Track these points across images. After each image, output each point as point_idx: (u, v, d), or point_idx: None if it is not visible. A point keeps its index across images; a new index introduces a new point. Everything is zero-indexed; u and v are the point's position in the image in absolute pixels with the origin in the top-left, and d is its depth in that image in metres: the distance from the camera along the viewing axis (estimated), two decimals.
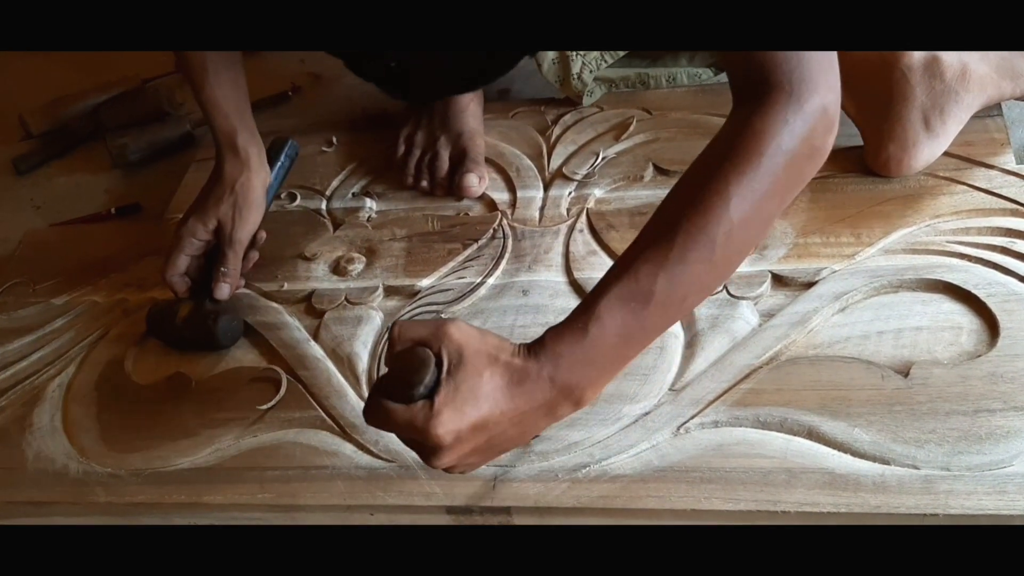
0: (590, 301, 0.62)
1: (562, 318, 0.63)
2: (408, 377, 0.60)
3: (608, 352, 0.62)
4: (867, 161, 0.89)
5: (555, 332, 0.63)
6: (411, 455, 0.76)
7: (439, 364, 0.61)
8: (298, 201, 1.04)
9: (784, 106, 0.61)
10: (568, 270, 0.89)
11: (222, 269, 0.91)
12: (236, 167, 0.92)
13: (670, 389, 0.77)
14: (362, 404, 0.81)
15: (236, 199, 0.92)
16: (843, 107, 0.89)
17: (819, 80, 0.62)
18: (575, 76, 1.04)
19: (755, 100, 0.62)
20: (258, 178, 0.93)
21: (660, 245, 0.61)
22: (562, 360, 0.61)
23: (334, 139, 1.11)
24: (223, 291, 0.91)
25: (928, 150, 0.86)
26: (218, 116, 0.92)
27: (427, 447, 0.61)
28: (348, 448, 0.79)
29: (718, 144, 0.64)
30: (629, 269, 0.62)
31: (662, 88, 1.07)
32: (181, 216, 0.94)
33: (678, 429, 0.74)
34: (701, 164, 0.64)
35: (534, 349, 0.62)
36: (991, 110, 0.91)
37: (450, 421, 0.59)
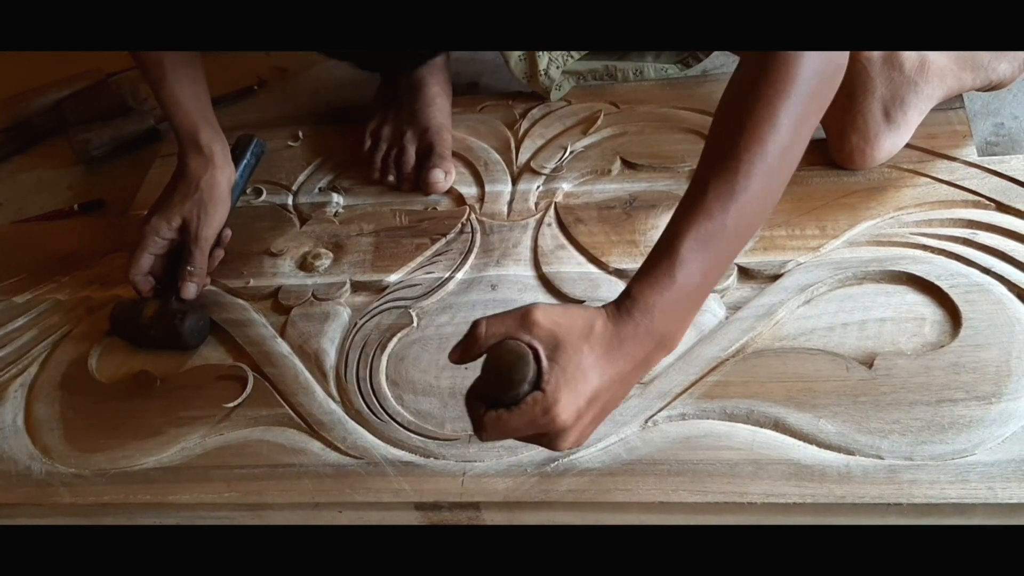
0: (668, 247, 0.63)
1: None
2: (509, 376, 0.59)
3: (695, 293, 0.64)
4: (831, 154, 0.90)
5: (642, 285, 0.63)
6: (379, 452, 0.77)
7: (535, 354, 0.60)
8: (264, 196, 1.03)
9: None
10: (536, 264, 0.89)
11: (188, 268, 0.90)
12: (200, 164, 0.91)
13: (638, 382, 0.77)
14: (329, 400, 0.81)
15: (201, 196, 0.91)
16: None
17: None
18: (542, 72, 1.03)
19: None
20: (223, 175, 0.92)
21: (724, 179, 0.62)
22: (655, 311, 0.62)
23: (300, 133, 1.10)
24: (190, 291, 0.90)
25: (890, 141, 0.87)
26: (179, 114, 0.90)
27: (552, 436, 0.61)
28: (316, 445, 0.79)
29: (749, 77, 0.64)
30: (701, 208, 0.62)
31: (630, 81, 1.07)
32: (145, 213, 0.93)
33: (646, 422, 0.75)
34: (741, 94, 0.64)
35: (624, 306, 0.63)
36: (953, 102, 0.92)
37: (571, 403, 0.60)
